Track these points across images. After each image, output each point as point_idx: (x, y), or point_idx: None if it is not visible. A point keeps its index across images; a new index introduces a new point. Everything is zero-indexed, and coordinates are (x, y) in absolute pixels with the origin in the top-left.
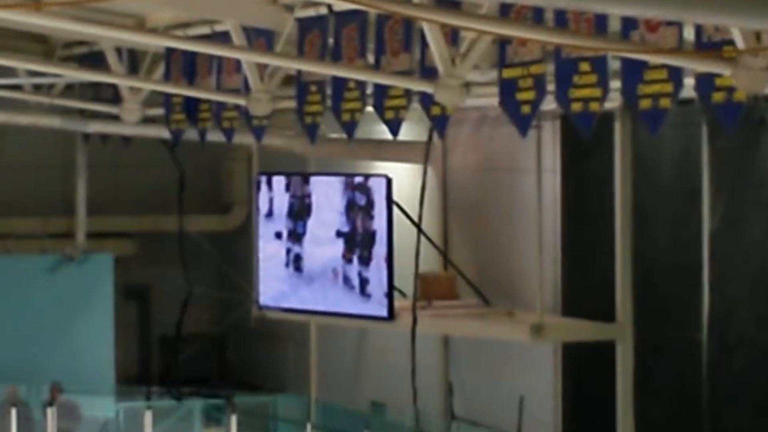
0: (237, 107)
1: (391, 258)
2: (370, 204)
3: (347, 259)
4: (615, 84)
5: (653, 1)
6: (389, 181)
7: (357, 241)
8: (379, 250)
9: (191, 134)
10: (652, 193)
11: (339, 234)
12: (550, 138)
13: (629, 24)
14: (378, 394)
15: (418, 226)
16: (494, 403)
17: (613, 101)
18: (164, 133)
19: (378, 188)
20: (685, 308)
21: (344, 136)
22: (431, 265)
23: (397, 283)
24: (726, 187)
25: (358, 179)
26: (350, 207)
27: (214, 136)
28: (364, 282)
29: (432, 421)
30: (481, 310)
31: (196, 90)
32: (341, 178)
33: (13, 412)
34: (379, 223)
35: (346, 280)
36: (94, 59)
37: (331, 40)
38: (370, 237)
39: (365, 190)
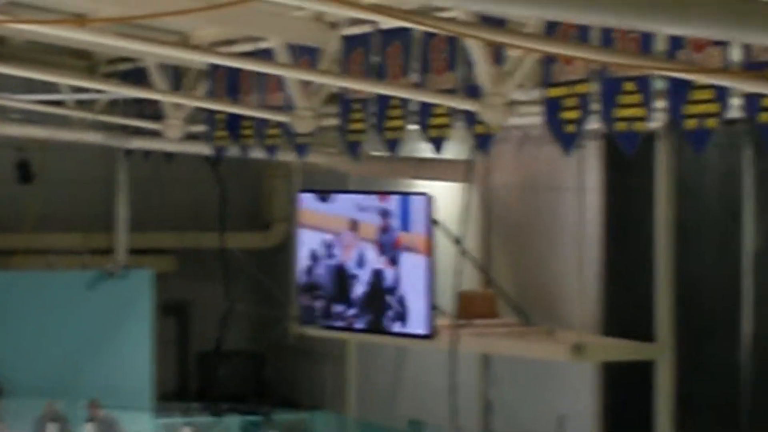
0: (280, 124)
1: (432, 276)
2: (410, 222)
3: (387, 277)
4: (658, 104)
5: (702, 21)
6: (430, 200)
7: (397, 259)
8: (420, 268)
9: (234, 151)
10: (694, 213)
11: (379, 252)
12: (592, 157)
13: (675, 43)
14: (416, 412)
15: (459, 244)
16: (533, 421)
17: (656, 121)
18: (206, 150)
19: (419, 206)
20: (726, 328)
21: (386, 154)
22: (472, 283)
23: (437, 301)
24: None
25: (399, 197)
26: (391, 225)
27: (257, 153)
28: (404, 300)
29: None
30: (521, 329)
31: (240, 107)
32: (382, 196)
33: (52, 427)
34: (420, 241)
35: (386, 298)
36: (138, 76)
37: (375, 58)
38: (411, 255)
39: (406, 208)
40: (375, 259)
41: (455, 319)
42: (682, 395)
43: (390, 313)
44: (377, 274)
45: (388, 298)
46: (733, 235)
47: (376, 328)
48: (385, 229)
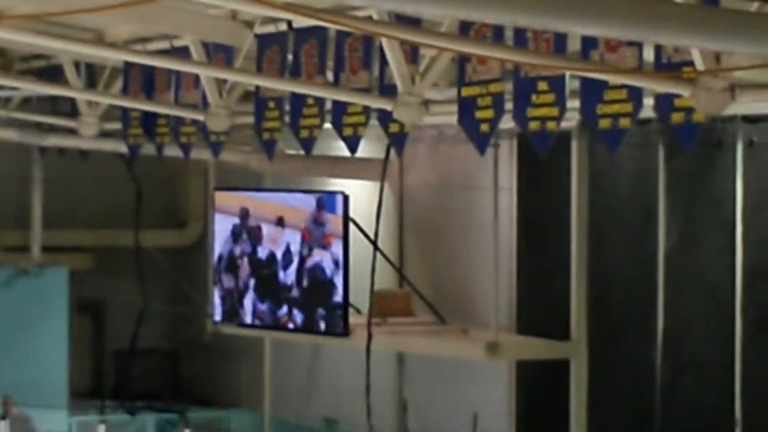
0: (195, 122)
1: (346, 274)
2: (326, 220)
3: (301, 275)
4: (573, 103)
5: (615, 22)
6: (346, 198)
7: (312, 257)
8: (335, 266)
9: (148, 149)
10: (609, 213)
11: (294, 250)
12: (507, 156)
13: (589, 44)
14: (331, 411)
15: (374, 243)
16: (448, 420)
17: (571, 120)
18: (121, 148)
19: (334, 205)
20: (639, 327)
21: (301, 152)
22: (387, 282)
23: (352, 299)
24: (682, 207)
25: (314, 196)
26: (306, 223)
27: (172, 151)
28: (318, 298)
29: None
30: (436, 328)
31: (154, 104)
32: (297, 194)
33: None
34: (335, 240)
35: (301, 295)
36: (52, 73)
37: (290, 57)
38: (326, 253)
39: (321, 206)
40: (296, 254)
41: (370, 318)
42: (597, 393)
43: (305, 311)
44: (298, 269)
45: (305, 294)
46: (646, 234)
47: (290, 325)
48: (301, 227)
